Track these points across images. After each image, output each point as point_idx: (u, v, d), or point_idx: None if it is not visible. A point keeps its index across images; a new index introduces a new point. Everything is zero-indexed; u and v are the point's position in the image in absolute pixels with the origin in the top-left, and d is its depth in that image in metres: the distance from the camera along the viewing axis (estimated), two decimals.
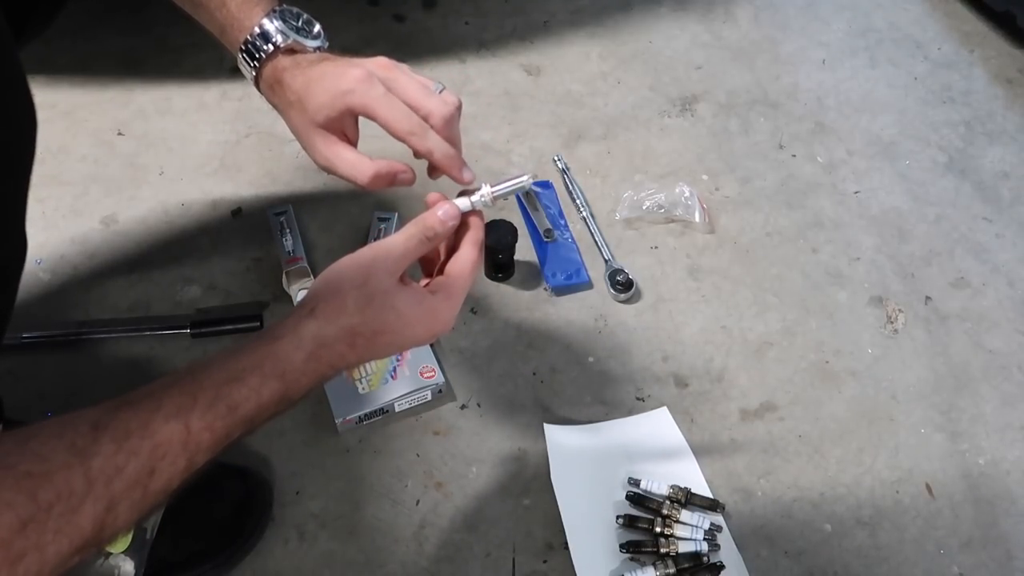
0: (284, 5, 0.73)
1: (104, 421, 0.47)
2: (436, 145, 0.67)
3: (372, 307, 0.59)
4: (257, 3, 0.71)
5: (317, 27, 0.73)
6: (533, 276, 1.04)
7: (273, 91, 0.72)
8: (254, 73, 0.72)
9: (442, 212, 0.65)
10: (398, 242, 0.62)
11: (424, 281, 0.67)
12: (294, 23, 0.72)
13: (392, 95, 0.66)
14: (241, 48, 0.71)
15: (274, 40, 0.70)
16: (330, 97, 0.67)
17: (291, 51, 0.71)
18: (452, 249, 0.67)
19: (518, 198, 1.10)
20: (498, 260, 1.00)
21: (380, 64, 0.68)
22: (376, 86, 0.66)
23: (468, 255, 0.65)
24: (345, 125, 0.70)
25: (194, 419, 0.50)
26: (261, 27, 0.70)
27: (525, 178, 0.68)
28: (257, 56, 0.71)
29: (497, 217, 1.01)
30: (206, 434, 0.50)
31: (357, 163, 0.69)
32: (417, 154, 0.68)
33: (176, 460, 0.49)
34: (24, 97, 0.61)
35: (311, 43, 0.72)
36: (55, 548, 0.42)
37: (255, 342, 0.56)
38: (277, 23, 0.70)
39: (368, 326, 0.59)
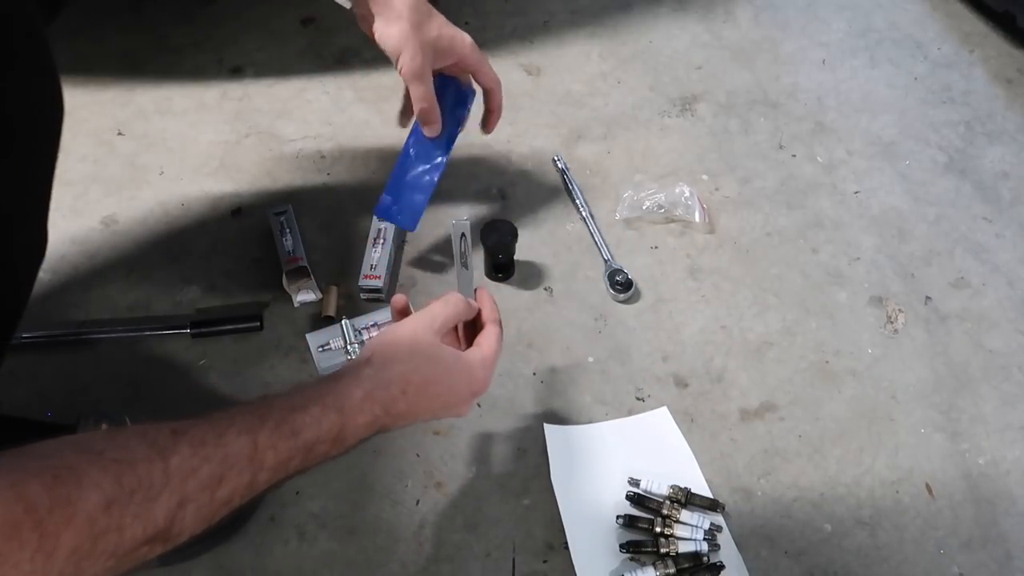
0: None
1: (183, 428, 0.51)
2: (501, 100, 0.95)
3: (422, 355, 0.67)
4: None
5: None
6: (533, 276, 1.04)
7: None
8: None
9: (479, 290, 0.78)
10: (437, 308, 0.71)
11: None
12: None
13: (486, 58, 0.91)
14: None
15: None
16: (453, 41, 0.86)
17: None
18: (472, 334, 0.76)
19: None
20: (498, 260, 1.00)
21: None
22: (479, 51, 0.90)
23: (493, 330, 0.74)
24: (435, 58, 0.86)
25: (261, 437, 0.54)
26: None
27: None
28: None
29: (498, 217, 1.01)
30: (270, 452, 0.55)
31: (431, 94, 0.87)
32: (491, 104, 0.94)
33: (242, 473, 0.53)
34: (54, 86, 0.64)
35: None
36: (131, 532, 0.46)
37: (318, 381, 0.62)
38: None
39: (418, 373, 0.65)
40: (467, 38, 0.88)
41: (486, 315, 0.75)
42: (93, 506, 0.44)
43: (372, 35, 0.85)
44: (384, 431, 0.65)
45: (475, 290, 0.78)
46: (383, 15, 0.83)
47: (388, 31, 0.83)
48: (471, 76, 0.92)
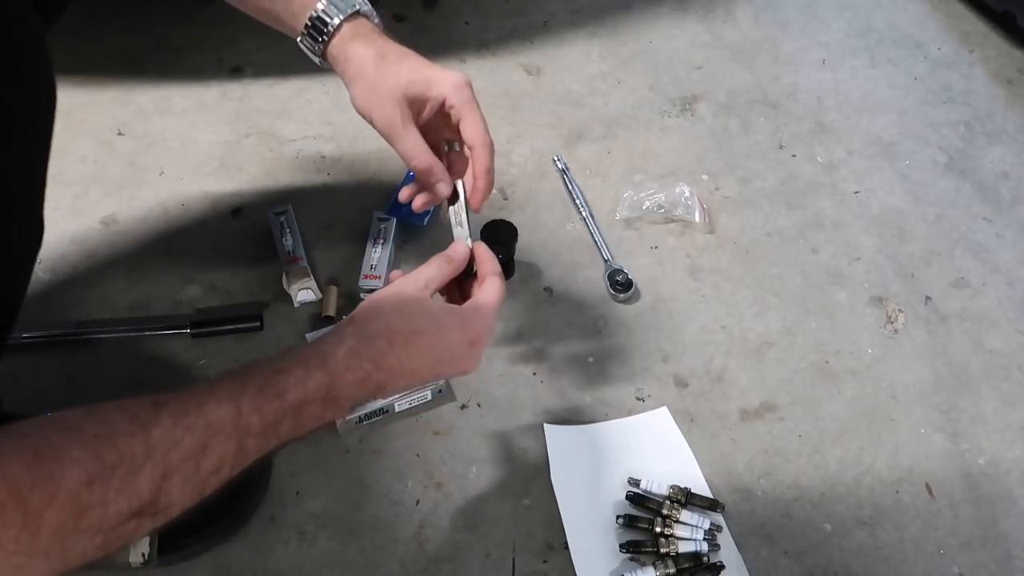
0: None
1: (164, 400, 0.51)
2: (492, 165, 0.75)
3: (407, 307, 0.64)
4: None
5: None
6: (533, 276, 1.04)
7: (353, 46, 0.74)
8: (339, 20, 0.73)
9: (456, 243, 0.73)
10: (422, 268, 0.69)
11: None
12: None
13: (478, 108, 0.74)
14: (319, 8, 0.73)
15: (352, 7, 0.74)
16: (429, 82, 0.72)
17: (357, 15, 0.75)
18: (468, 292, 0.73)
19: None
20: (498, 260, 1.00)
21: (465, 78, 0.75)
22: (470, 94, 0.73)
23: (492, 281, 0.71)
24: (417, 109, 0.73)
25: (244, 402, 0.53)
26: None
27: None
28: (337, 14, 0.73)
29: (498, 217, 1.01)
30: (255, 416, 0.54)
31: (420, 148, 0.73)
32: (476, 168, 0.75)
33: (227, 440, 0.52)
34: (47, 72, 0.63)
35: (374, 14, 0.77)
36: (115, 506, 0.46)
37: (301, 346, 0.62)
38: None
39: (405, 324, 0.63)
40: (453, 78, 0.72)
41: (485, 270, 0.72)
42: (75, 483, 0.44)
43: (353, 105, 0.75)
44: (384, 391, 0.63)
45: (472, 245, 0.74)
46: (347, 74, 0.74)
47: (353, 91, 0.73)
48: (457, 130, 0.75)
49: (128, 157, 1.15)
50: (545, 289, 1.03)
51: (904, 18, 1.43)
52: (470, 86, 0.74)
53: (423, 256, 1.04)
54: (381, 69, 0.72)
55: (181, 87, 1.24)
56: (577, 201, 1.11)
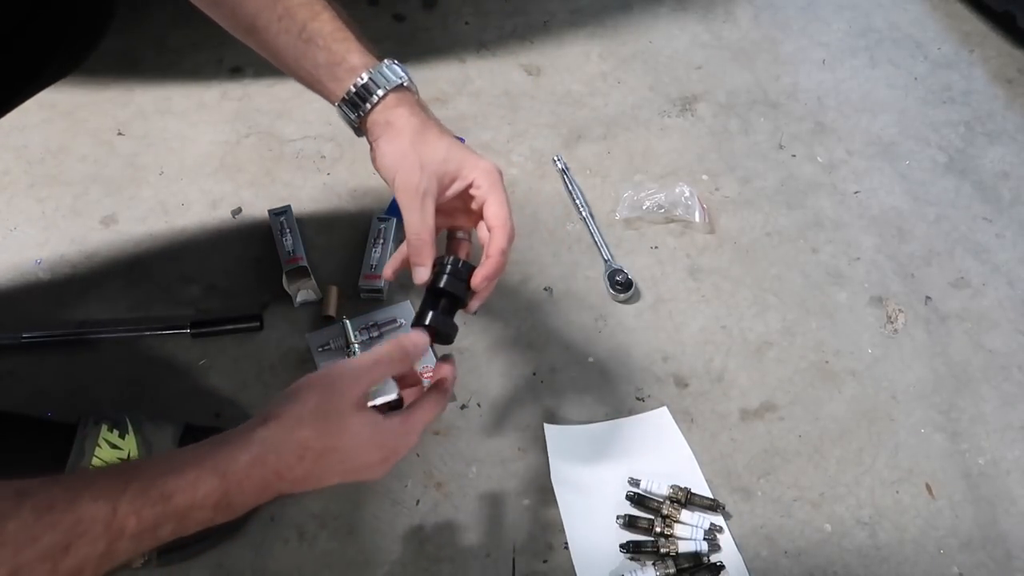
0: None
1: (30, 489, 0.46)
2: (507, 248, 0.71)
3: (328, 422, 0.59)
4: (357, 46, 0.72)
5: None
6: (533, 276, 1.04)
7: (398, 111, 0.72)
8: (384, 91, 0.71)
9: (417, 335, 0.67)
10: (367, 362, 0.63)
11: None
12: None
13: (505, 193, 0.72)
14: (366, 74, 0.71)
15: (399, 79, 0.71)
16: (462, 163, 0.71)
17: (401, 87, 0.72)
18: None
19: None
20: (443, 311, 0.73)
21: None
22: (499, 179, 0.72)
23: (434, 401, 0.67)
24: (444, 186, 0.72)
25: (123, 502, 0.49)
26: (387, 64, 0.72)
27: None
28: (385, 85, 0.71)
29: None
30: (132, 519, 0.49)
31: (428, 225, 0.70)
32: (491, 248, 0.71)
33: (95, 541, 0.47)
34: None
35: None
36: None
37: (204, 442, 0.56)
38: (397, 66, 0.72)
39: (321, 440, 0.59)
40: (485, 164, 0.72)
41: (441, 384, 0.69)
42: None
43: (375, 165, 0.74)
44: (286, 494, 0.60)
45: (439, 360, 0.71)
46: (383, 136, 0.71)
47: (384, 150, 0.71)
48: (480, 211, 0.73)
49: (128, 157, 1.15)
50: (545, 289, 1.03)
51: (904, 18, 1.43)
52: (500, 174, 0.73)
53: None
54: (421, 138, 0.71)
55: (181, 87, 1.24)
56: (577, 201, 1.11)
